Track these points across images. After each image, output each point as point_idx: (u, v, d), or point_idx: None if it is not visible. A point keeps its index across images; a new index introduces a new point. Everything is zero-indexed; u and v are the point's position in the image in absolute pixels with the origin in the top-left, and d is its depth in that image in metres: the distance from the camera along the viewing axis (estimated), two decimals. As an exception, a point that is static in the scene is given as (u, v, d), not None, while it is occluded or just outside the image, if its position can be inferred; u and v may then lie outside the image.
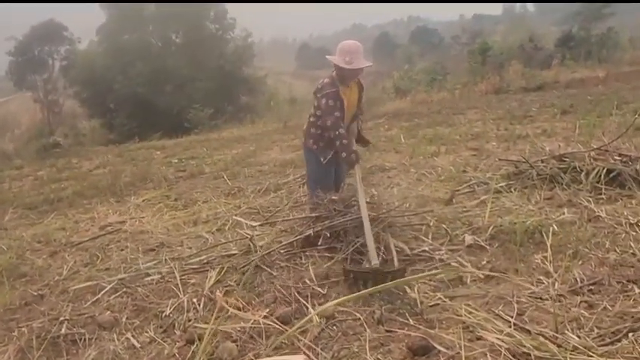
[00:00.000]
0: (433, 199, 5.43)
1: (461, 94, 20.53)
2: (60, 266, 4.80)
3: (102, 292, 3.91)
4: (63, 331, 3.35)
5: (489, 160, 7.09)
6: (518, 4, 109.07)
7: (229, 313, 3.15)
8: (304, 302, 3.31)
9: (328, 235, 4.09)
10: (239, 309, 3.26)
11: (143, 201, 7.30)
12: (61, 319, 3.51)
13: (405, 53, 58.35)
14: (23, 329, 3.43)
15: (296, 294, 3.43)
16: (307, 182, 5.32)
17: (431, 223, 4.49)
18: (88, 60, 32.01)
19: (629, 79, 17.25)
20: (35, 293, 4.12)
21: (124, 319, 3.44)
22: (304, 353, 2.62)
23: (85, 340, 3.23)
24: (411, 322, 2.92)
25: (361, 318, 3.00)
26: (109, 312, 3.55)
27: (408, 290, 3.30)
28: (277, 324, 3.00)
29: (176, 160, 11.28)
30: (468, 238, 4.11)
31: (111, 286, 3.99)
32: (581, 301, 3.00)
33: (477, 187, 5.68)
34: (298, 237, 4.21)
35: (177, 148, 13.96)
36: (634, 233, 3.90)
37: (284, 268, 3.88)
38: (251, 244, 4.35)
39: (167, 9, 31.86)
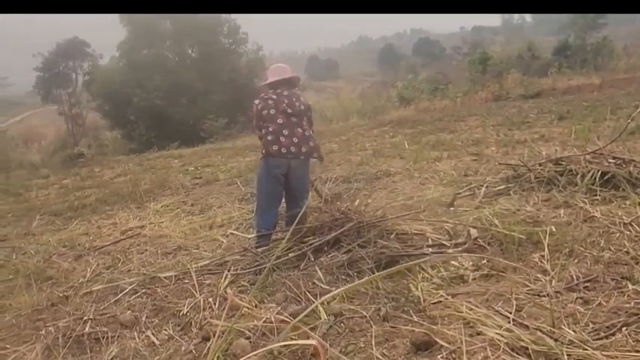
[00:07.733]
0: (436, 202, 5.44)
1: (462, 102, 20.53)
2: (84, 269, 4.86)
3: (123, 293, 3.95)
4: (87, 329, 3.38)
5: (489, 165, 7.09)
6: (516, 15, 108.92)
7: (243, 311, 3.16)
8: (314, 300, 3.32)
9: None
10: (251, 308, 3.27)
11: (162, 207, 7.34)
12: (85, 318, 3.55)
13: (409, 64, 58.45)
14: (50, 328, 3.46)
15: (306, 293, 3.44)
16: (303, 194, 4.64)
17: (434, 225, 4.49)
18: (109, 74, 32.23)
19: (623, 85, 17.16)
20: (61, 294, 4.16)
21: (143, 318, 3.47)
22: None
23: (107, 338, 3.26)
24: (415, 318, 2.92)
25: (367, 315, 3.01)
26: (129, 311, 3.58)
27: (412, 288, 3.32)
28: (288, 319, 3.00)
29: (192, 168, 11.32)
30: (473, 231, 4.10)
31: (131, 287, 4.03)
32: (577, 298, 2.98)
33: (477, 191, 5.68)
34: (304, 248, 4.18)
35: (193, 156, 14.00)
36: (627, 232, 3.87)
37: (294, 269, 3.89)
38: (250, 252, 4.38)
39: (182, 25, 32.02)
